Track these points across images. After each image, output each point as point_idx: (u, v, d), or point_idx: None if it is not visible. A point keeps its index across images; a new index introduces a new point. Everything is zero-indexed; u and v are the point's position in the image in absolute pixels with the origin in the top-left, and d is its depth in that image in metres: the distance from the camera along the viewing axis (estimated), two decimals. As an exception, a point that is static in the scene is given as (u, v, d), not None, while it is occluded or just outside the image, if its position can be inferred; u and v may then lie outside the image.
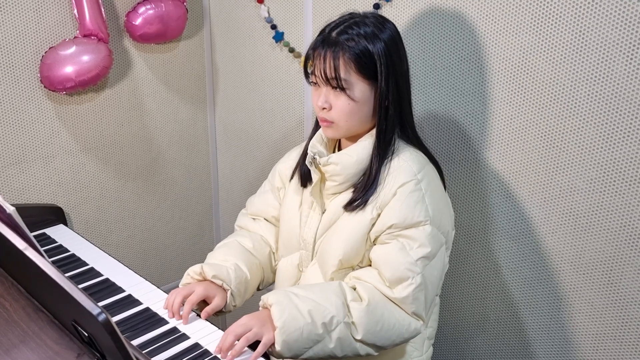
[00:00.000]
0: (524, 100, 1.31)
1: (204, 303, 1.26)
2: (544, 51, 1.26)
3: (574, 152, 1.27)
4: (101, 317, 0.61)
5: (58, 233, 1.64)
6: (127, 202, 1.98)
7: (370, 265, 1.22)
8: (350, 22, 1.17)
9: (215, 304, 1.24)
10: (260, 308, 1.15)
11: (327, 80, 1.16)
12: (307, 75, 1.22)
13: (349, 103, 1.16)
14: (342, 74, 1.14)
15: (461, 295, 1.56)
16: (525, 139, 1.34)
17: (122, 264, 1.47)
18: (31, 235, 0.82)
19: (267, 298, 1.13)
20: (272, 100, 1.91)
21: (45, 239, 1.60)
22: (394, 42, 1.17)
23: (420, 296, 1.15)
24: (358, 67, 1.14)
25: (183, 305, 1.24)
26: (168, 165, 2.07)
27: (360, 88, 1.16)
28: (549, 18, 1.24)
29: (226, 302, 1.26)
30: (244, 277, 1.30)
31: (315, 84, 1.20)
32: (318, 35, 1.19)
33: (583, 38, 1.20)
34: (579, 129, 1.25)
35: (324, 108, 1.18)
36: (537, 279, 1.40)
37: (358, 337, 1.13)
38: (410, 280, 1.14)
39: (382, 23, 1.18)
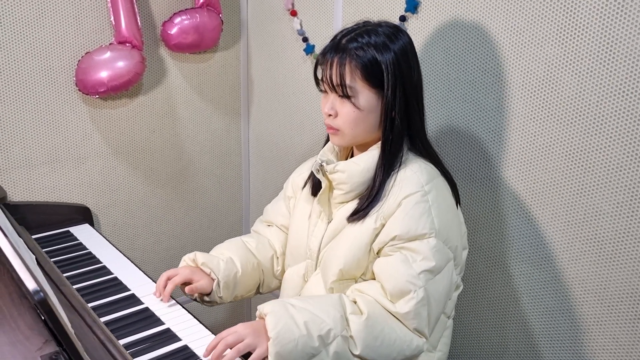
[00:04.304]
0: (547, 117, 1.24)
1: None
2: (570, 64, 1.18)
3: (600, 173, 1.18)
4: (38, 296, 0.60)
5: (81, 232, 1.68)
6: (155, 208, 2.00)
7: (374, 279, 1.18)
8: (362, 30, 1.15)
9: (200, 284, 1.28)
10: (257, 318, 1.12)
11: (333, 87, 1.14)
12: (317, 82, 1.20)
13: (354, 111, 1.14)
14: (348, 81, 1.12)
15: (478, 322, 1.47)
16: (548, 158, 1.25)
17: (134, 264, 1.47)
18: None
19: (263, 307, 1.10)
20: (302, 113, 1.90)
21: (67, 237, 1.64)
22: (405, 53, 1.14)
23: (422, 312, 1.10)
24: (364, 75, 1.11)
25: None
26: (199, 174, 2.09)
27: (365, 97, 1.13)
28: (575, 29, 1.16)
29: (212, 289, 1.29)
30: (235, 272, 1.32)
31: (323, 90, 1.18)
32: (330, 41, 1.18)
33: (611, 50, 1.12)
34: (605, 147, 1.16)
35: (329, 115, 1.17)
36: (558, 309, 1.30)
37: (356, 352, 1.08)
38: (412, 294, 1.09)
39: (395, 33, 1.15)
